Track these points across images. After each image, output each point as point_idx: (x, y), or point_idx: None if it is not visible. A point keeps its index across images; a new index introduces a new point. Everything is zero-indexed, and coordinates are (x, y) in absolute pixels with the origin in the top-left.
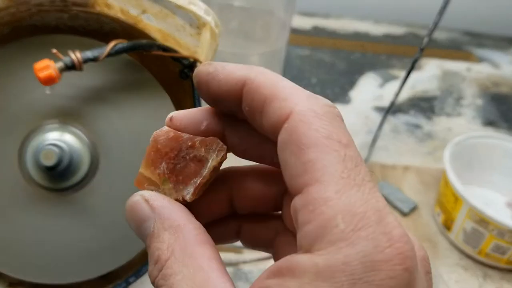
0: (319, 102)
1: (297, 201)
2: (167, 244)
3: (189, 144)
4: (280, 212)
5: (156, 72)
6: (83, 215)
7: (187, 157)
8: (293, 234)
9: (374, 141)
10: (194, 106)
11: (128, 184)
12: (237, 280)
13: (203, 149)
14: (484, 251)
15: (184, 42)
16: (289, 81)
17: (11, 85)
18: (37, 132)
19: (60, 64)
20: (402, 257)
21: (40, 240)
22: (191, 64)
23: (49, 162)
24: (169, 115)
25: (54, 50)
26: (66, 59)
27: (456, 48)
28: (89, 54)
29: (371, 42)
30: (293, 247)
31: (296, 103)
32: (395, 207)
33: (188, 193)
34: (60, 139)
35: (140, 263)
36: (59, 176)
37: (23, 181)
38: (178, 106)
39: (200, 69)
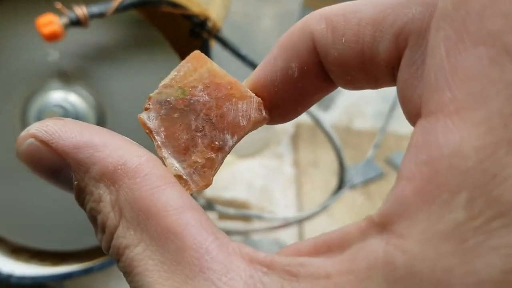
0: None
1: (415, 129)
2: (109, 203)
3: (216, 143)
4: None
5: (165, 30)
6: None
7: (199, 134)
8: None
9: (391, 110)
10: None
11: None
12: None
13: (199, 161)
14: None
15: None
16: None
17: (12, 42)
18: (40, 92)
19: (64, 20)
20: None
21: (43, 207)
22: (202, 22)
23: None
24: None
25: (59, 5)
26: (71, 15)
27: None
28: (95, 9)
29: None
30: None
31: None
32: None
33: (150, 121)
34: (64, 99)
35: None
36: None
37: None
38: None
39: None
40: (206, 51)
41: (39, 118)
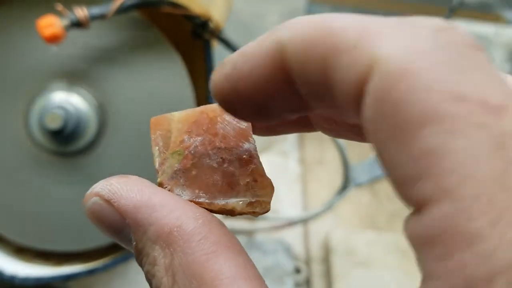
0: (423, 29)
1: (414, 227)
2: (163, 267)
3: (244, 156)
4: None
5: (166, 31)
6: (91, 180)
7: (225, 165)
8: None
9: None
10: (206, 67)
11: (138, 148)
12: (249, 249)
13: (248, 180)
14: None
15: None
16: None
17: (13, 44)
18: (43, 93)
19: (65, 21)
20: None
21: (46, 206)
22: (204, 23)
23: (54, 125)
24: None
25: (60, 6)
26: (72, 16)
27: (487, 10)
28: (96, 10)
29: (397, 1)
30: None
31: (379, 42)
32: None
33: (182, 195)
34: (66, 101)
35: None
36: (66, 140)
37: (29, 144)
38: (190, 67)
39: (214, 79)
40: (206, 51)
41: (41, 119)
